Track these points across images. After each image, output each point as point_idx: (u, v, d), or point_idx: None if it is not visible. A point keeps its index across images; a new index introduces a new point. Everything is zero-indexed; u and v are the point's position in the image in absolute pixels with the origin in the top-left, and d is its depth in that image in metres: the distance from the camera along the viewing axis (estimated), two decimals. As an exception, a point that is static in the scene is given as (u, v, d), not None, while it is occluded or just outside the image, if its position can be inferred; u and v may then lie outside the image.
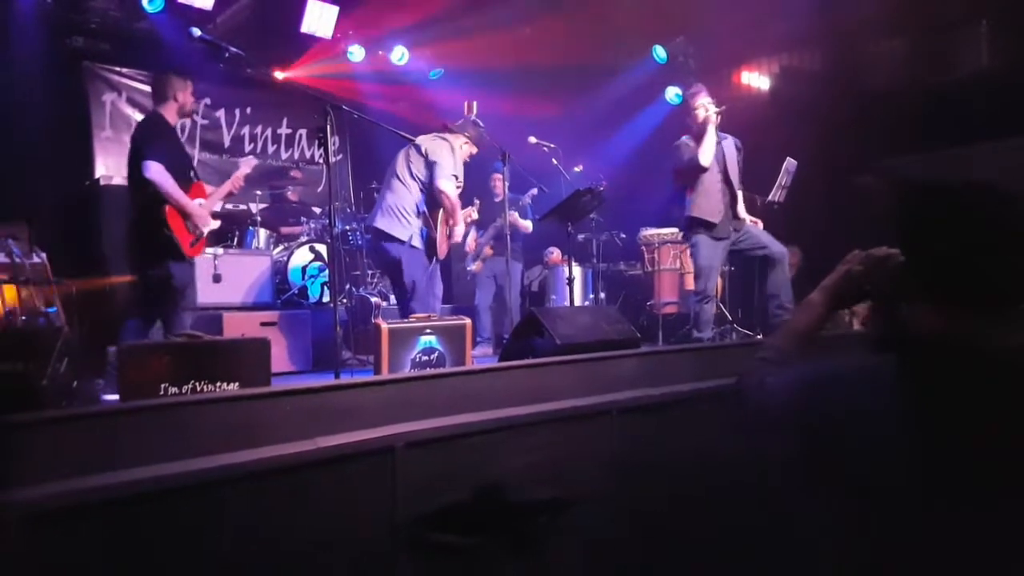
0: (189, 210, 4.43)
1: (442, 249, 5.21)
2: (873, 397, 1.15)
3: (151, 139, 4.43)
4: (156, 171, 4.31)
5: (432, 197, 5.02)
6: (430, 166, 4.99)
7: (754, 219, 5.40)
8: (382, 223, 4.97)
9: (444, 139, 5.13)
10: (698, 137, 5.18)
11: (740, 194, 5.39)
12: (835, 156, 6.31)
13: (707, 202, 5.19)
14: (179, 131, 4.80)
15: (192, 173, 4.69)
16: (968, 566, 1.06)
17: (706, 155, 5.12)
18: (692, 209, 5.23)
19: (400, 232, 4.93)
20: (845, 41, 6.97)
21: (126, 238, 4.54)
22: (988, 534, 1.05)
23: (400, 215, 4.95)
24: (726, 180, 5.23)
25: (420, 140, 5.06)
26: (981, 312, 1.11)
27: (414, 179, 5.01)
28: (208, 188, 4.77)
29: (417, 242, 4.98)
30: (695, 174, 5.18)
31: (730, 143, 5.31)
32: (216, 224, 4.70)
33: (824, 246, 5.75)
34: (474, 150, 5.37)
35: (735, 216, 5.27)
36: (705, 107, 5.21)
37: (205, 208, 4.60)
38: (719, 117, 5.18)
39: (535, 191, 6.76)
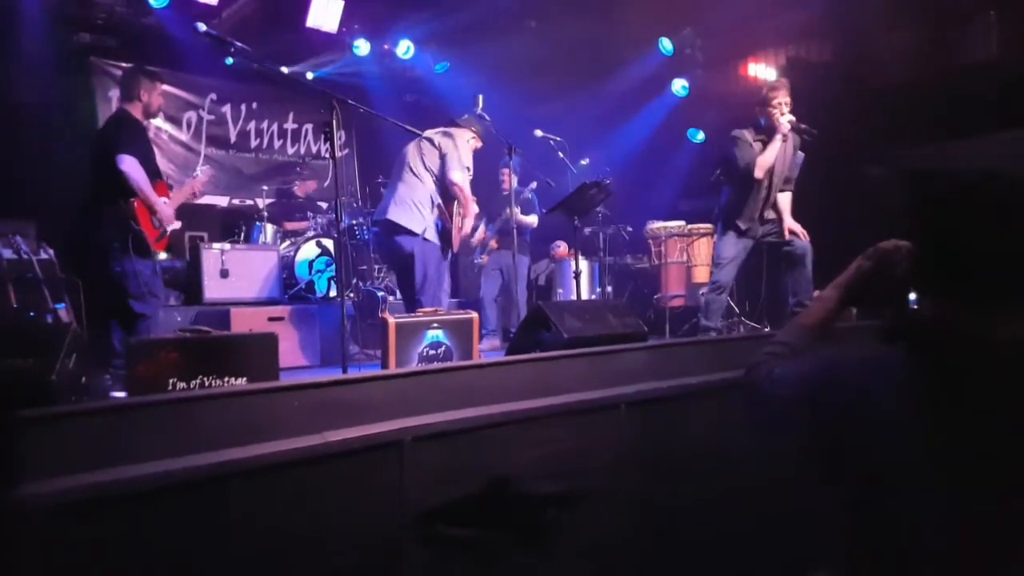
0: (156, 207, 4.44)
1: (456, 241, 5.22)
2: (880, 388, 1.14)
3: (124, 134, 4.42)
4: (130, 164, 4.31)
5: (445, 189, 5.02)
6: (442, 159, 4.99)
7: (794, 230, 5.11)
8: (396, 215, 4.94)
9: (450, 134, 5.13)
10: (764, 140, 4.98)
11: (789, 194, 5.19)
12: (843, 148, 6.27)
13: (746, 206, 5.03)
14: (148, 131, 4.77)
15: (158, 173, 4.69)
16: (977, 557, 1.06)
17: (762, 168, 4.94)
18: (728, 207, 5.11)
19: (415, 225, 4.92)
20: (853, 32, 6.93)
21: (92, 232, 4.47)
22: (996, 526, 1.05)
23: (414, 207, 4.94)
24: (771, 183, 5.06)
25: (429, 134, 5.06)
26: (990, 303, 1.10)
27: (428, 171, 5.01)
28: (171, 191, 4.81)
29: (431, 235, 4.97)
30: (744, 181, 5.00)
31: (790, 144, 5.08)
32: (178, 225, 4.68)
33: (832, 239, 5.72)
34: (479, 144, 5.37)
35: (764, 219, 5.12)
36: (782, 111, 4.98)
37: (171, 209, 4.61)
38: (791, 127, 4.97)
39: (535, 184, 6.74)
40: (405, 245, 4.94)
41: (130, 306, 4.34)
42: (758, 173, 4.95)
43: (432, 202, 5.00)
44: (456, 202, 5.10)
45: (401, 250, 4.98)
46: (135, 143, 4.40)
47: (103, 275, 4.44)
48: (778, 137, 4.96)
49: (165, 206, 4.53)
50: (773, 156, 4.97)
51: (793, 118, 5.00)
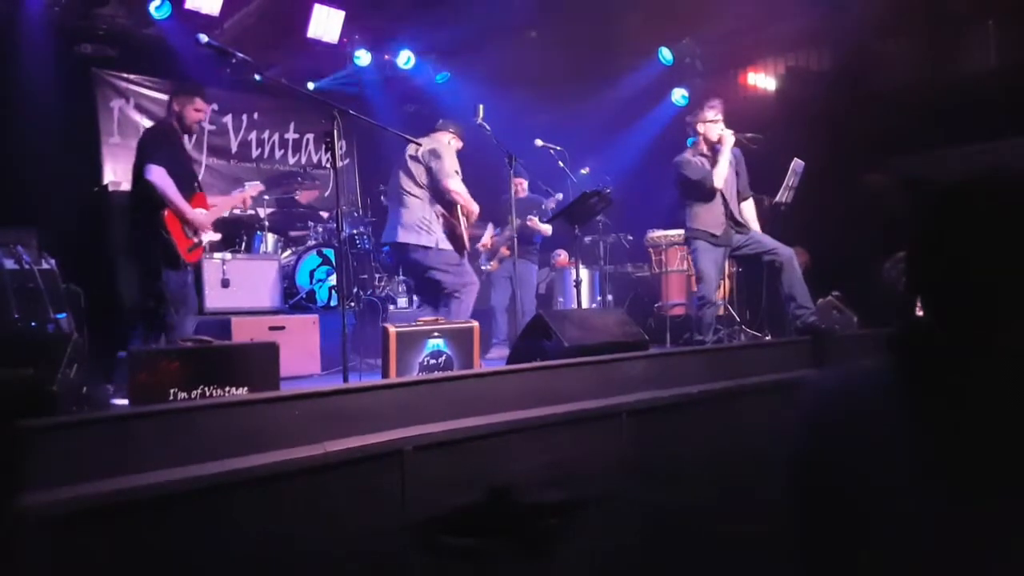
0: (189, 216, 4.48)
1: (466, 242, 5.30)
2: (877, 398, 1.14)
3: (154, 144, 4.51)
4: (157, 174, 4.37)
5: (442, 197, 5.08)
6: (431, 172, 5.04)
7: (756, 231, 5.42)
8: (406, 237, 5.03)
9: (433, 145, 5.17)
10: (711, 157, 5.23)
11: (751, 200, 5.44)
12: (842, 156, 6.29)
13: (710, 214, 5.24)
14: (187, 141, 4.83)
15: (196, 184, 4.75)
16: (971, 566, 1.06)
17: (720, 178, 5.17)
18: (694, 220, 5.30)
19: (426, 240, 5.02)
20: (852, 41, 6.96)
21: (126, 242, 4.59)
22: (994, 532, 1.05)
23: (421, 227, 5.03)
24: (728, 191, 5.27)
25: (410, 150, 5.11)
26: (989, 309, 1.10)
27: (422, 188, 5.07)
28: (212, 200, 4.84)
29: (444, 244, 5.07)
30: (706, 194, 5.21)
31: (734, 154, 5.36)
32: (217, 236, 4.73)
33: (832, 247, 5.74)
34: (460, 144, 5.40)
35: (737, 223, 5.30)
36: (722, 127, 5.23)
37: (207, 218, 4.64)
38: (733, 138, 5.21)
39: (560, 196, 6.73)
40: (422, 259, 5.04)
41: (159, 313, 4.43)
42: (718, 183, 5.16)
43: (435, 215, 5.08)
44: (457, 205, 5.16)
45: (419, 264, 5.07)
46: (164, 153, 4.46)
47: (143, 281, 4.57)
48: (726, 149, 5.18)
49: (202, 215, 4.57)
50: (726, 165, 5.19)
51: (731, 131, 5.23)
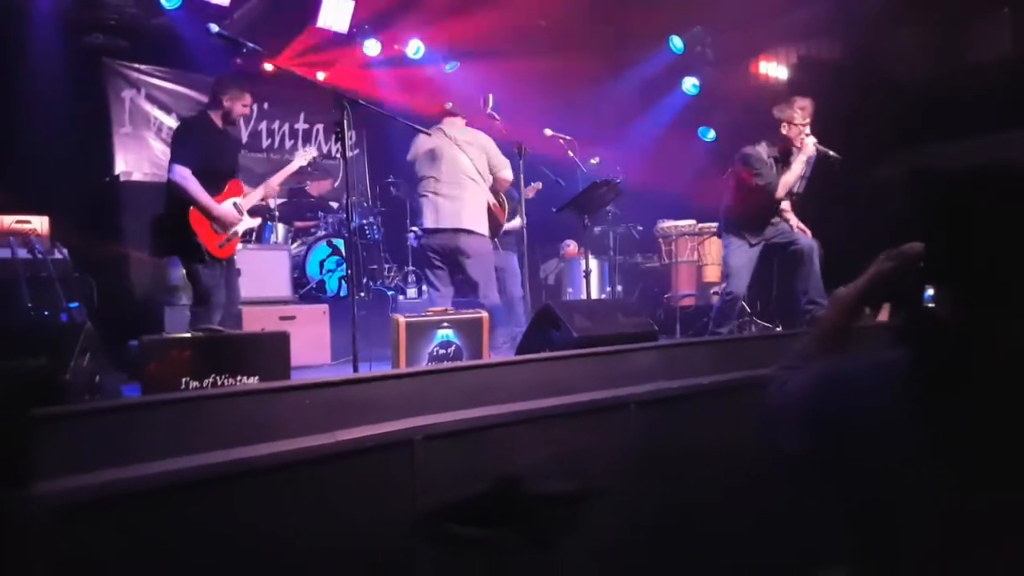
0: (215, 213, 4.48)
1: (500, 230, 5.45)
2: (885, 391, 1.14)
3: (179, 141, 4.53)
4: (179, 174, 4.38)
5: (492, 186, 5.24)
6: (490, 160, 5.15)
7: (802, 227, 5.18)
8: (471, 223, 5.05)
9: (475, 133, 5.21)
10: (783, 161, 4.92)
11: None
12: (854, 146, 6.24)
13: (758, 216, 5.02)
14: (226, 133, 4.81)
15: (234, 172, 4.76)
16: (979, 559, 1.06)
17: (785, 188, 4.86)
18: (737, 218, 5.08)
19: (483, 228, 5.10)
20: (865, 30, 6.90)
21: (151, 237, 4.62)
22: (998, 526, 1.04)
23: (482, 213, 5.12)
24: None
25: (464, 135, 5.13)
26: (1002, 305, 1.10)
27: (483, 178, 5.15)
28: (246, 188, 4.84)
29: (487, 231, 5.16)
30: (763, 201, 4.94)
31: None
32: (255, 222, 4.73)
33: (844, 237, 5.70)
34: None
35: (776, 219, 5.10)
36: (807, 133, 4.88)
37: (240, 207, 4.65)
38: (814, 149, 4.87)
39: (539, 184, 6.66)
40: (475, 245, 5.07)
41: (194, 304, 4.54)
42: (780, 192, 4.88)
43: (487, 204, 5.20)
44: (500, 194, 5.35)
45: (469, 250, 5.08)
46: (188, 150, 4.45)
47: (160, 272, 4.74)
48: (803, 158, 4.89)
49: (228, 209, 4.57)
50: (798, 173, 4.89)
51: (815, 139, 4.92)
